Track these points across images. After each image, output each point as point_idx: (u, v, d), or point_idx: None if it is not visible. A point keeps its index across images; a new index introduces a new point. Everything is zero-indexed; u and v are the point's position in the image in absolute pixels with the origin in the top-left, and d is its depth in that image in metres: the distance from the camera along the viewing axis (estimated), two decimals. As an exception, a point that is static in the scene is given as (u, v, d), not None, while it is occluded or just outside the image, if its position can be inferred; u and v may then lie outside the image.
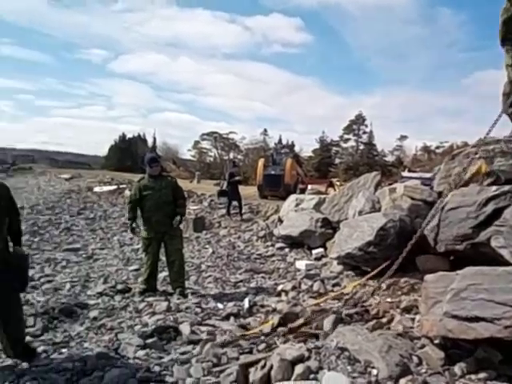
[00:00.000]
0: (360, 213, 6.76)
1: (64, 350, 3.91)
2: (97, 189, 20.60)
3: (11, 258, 3.56)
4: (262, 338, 3.95)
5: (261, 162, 21.13)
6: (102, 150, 58.80)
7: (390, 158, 51.57)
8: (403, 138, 51.96)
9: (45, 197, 18.85)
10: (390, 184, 9.79)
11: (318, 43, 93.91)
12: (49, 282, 6.26)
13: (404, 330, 3.66)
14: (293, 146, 47.08)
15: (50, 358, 3.76)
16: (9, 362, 3.57)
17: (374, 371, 2.99)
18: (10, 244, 3.65)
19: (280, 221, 10.24)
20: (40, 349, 3.92)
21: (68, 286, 6.02)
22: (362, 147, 51.95)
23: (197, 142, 57.48)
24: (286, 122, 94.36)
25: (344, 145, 53.28)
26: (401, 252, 4.59)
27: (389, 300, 4.47)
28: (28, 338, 4.00)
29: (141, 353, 3.78)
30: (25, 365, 3.55)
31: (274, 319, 4.28)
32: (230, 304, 5.14)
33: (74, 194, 18.84)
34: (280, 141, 48.78)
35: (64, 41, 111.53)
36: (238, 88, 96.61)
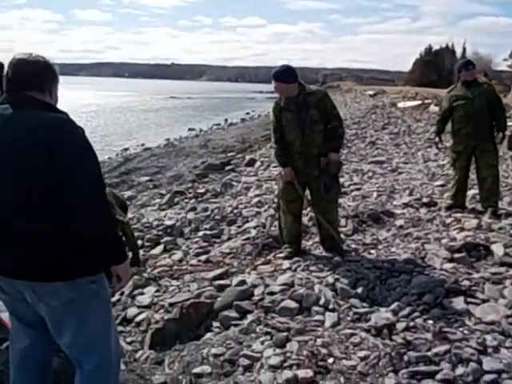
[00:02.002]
0: None
1: (373, 251, 4.19)
2: (400, 104, 20.47)
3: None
4: None
5: None
6: (406, 65, 57.40)
7: None
8: None
9: (351, 112, 19.88)
10: None
11: None
12: (357, 189, 6.72)
13: None
14: None
15: (360, 255, 4.11)
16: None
17: None
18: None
19: None
20: (352, 246, 4.32)
21: (375, 194, 6.32)
22: None
23: (515, 50, 49.77)
24: None
25: None
26: None
27: None
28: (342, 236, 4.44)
29: (448, 265, 3.71)
30: (338, 258, 3.97)
31: None
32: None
33: (378, 110, 19.24)
34: None
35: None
36: None
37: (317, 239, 4.43)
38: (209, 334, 2.99)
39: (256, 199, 6.63)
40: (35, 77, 1.86)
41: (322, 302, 3.17)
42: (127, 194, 7.80)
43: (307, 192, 4.17)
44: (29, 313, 1.94)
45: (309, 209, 4.67)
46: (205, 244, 4.90)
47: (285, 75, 3.91)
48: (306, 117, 3.93)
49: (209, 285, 3.62)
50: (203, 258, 4.35)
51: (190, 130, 22.57)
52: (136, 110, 36.78)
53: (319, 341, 2.70)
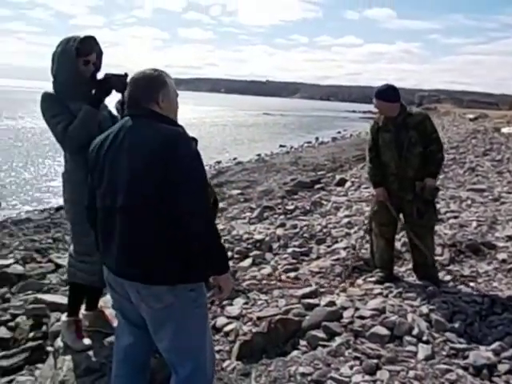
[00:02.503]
0: None
1: (471, 284, 3.95)
2: (505, 130, 19.21)
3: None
4: None
5: None
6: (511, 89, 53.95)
7: None
8: None
9: (449, 136, 18.99)
10: None
11: None
12: (455, 217, 6.37)
13: None
14: None
15: (457, 287, 3.89)
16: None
17: None
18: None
19: None
20: (448, 277, 4.10)
21: (474, 224, 5.96)
22: None
23: None
24: None
25: None
26: None
27: None
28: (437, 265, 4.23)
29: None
30: (432, 288, 3.78)
31: None
32: None
33: (479, 135, 18.20)
34: None
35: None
36: None
37: (410, 266, 4.26)
38: (296, 352, 2.97)
39: (346, 220, 6.53)
40: (153, 90, 1.98)
41: (415, 332, 3.03)
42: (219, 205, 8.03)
43: (401, 215, 4.04)
44: (133, 312, 2.05)
45: (402, 233, 4.51)
46: (293, 261, 4.91)
47: (388, 94, 3.85)
48: (405, 138, 3.84)
49: (297, 302, 3.62)
50: (292, 274, 4.36)
51: (281, 146, 22.86)
52: (230, 125, 37.95)
53: (412, 373, 2.59)
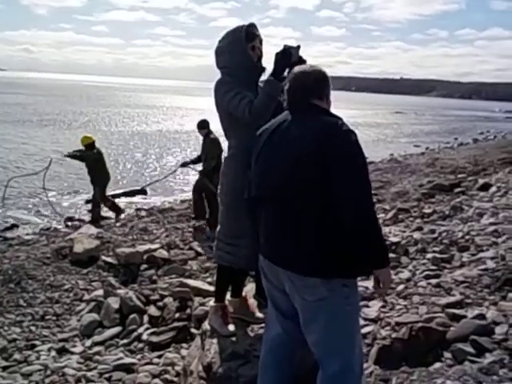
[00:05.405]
0: None
1: None
2: None
3: None
4: None
5: None
6: None
7: None
8: None
9: None
10: None
11: None
12: None
13: None
14: None
15: None
16: None
17: None
18: None
19: None
20: None
21: None
22: None
23: None
24: None
25: None
26: None
27: None
28: None
29: None
30: None
31: None
32: None
33: None
34: None
35: None
36: None
37: None
38: (440, 364, 2.80)
39: (491, 228, 5.99)
40: (315, 85, 2.07)
41: None
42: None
43: None
44: (285, 302, 2.10)
45: None
46: (434, 267, 4.64)
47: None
48: None
49: (440, 311, 3.41)
50: (433, 281, 4.12)
51: (415, 146, 21.85)
52: (361, 123, 37.18)
53: None
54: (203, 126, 8.06)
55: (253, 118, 2.56)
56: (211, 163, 7.72)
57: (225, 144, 3.08)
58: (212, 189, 7.47)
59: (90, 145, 9.48)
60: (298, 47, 2.53)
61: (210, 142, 7.91)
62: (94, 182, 9.54)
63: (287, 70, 2.51)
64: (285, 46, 2.61)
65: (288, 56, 2.53)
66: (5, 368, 3.97)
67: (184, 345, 3.69)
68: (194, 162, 8.65)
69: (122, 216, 9.87)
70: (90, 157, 9.39)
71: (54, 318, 5.06)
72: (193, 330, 3.80)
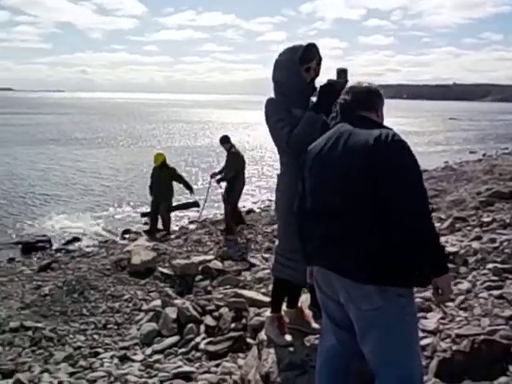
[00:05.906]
0: None
1: None
2: None
3: None
4: None
5: None
6: None
7: None
8: None
9: None
10: None
11: None
12: None
13: None
14: None
15: None
16: None
17: None
18: None
19: None
20: None
21: None
22: None
23: None
24: None
25: None
26: None
27: None
28: None
29: None
30: None
31: None
32: None
33: None
34: None
35: None
36: None
37: None
38: (506, 378, 2.71)
39: (558, 238, 5.71)
40: (365, 98, 2.13)
41: None
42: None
43: None
44: (339, 313, 2.11)
45: None
46: (495, 278, 4.47)
47: None
48: None
49: (504, 323, 3.29)
50: (495, 292, 3.98)
51: (471, 153, 21.13)
52: (412, 132, 36.35)
53: None
54: (225, 140, 8.96)
55: (290, 148, 2.68)
56: (228, 174, 8.81)
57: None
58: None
59: (164, 161, 9.83)
60: (345, 71, 2.57)
61: (233, 155, 8.85)
62: (165, 196, 9.75)
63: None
64: (329, 80, 2.66)
65: (331, 91, 2.57)
66: (72, 374, 4.16)
67: (240, 354, 3.74)
68: (220, 172, 9.38)
69: (176, 228, 10.11)
70: (167, 173, 9.75)
71: (115, 326, 5.26)
72: (249, 340, 3.84)
